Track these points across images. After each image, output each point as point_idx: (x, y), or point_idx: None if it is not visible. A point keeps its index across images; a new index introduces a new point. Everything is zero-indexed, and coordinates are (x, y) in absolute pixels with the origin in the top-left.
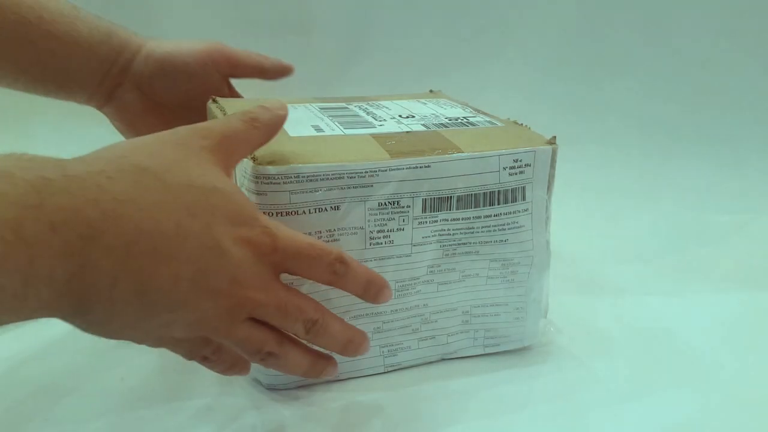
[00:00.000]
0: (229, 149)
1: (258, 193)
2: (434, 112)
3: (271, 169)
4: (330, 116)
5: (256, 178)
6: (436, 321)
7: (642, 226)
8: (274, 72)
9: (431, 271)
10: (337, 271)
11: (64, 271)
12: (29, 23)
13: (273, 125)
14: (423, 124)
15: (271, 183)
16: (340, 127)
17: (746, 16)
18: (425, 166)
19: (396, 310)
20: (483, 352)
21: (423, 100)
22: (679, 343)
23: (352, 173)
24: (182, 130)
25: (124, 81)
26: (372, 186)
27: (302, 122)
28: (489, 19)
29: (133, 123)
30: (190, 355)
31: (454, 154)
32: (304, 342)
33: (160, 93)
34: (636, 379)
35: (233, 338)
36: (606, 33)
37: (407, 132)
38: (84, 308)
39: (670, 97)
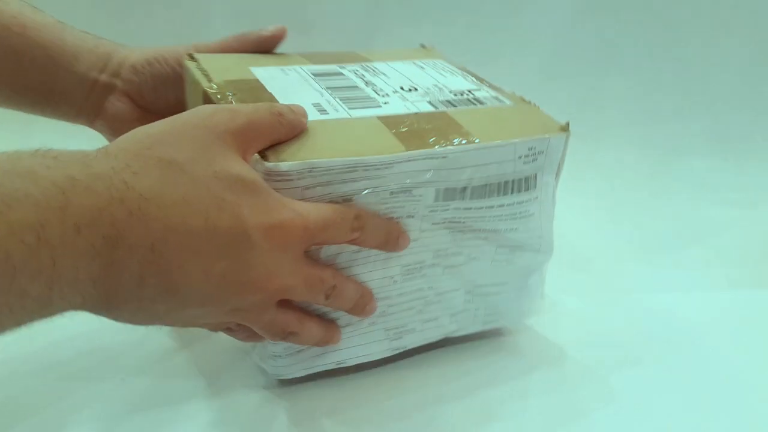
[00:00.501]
0: (251, 136)
1: None
2: (436, 82)
3: (284, 166)
4: (329, 88)
5: (268, 175)
6: (439, 302)
7: (643, 221)
8: (264, 44)
9: (438, 256)
10: (358, 228)
11: (90, 272)
12: (11, 31)
13: (295, 127)
14: (429, 102)
15: (283, 180)
16: (344, 107)
17: (747, 10)
18: (441, 157)
19: (401, 294)
20: (482, 329)
21: (418, 62)
22: (681, 339)
23: (367, 166)
24: (206, 111)
25: (113, 91)
26: (386, 177)
27: (300, 95)
28: (488, 18)
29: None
30: (215, 330)
31: (470, 145)
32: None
33: (150, 100)
34: (634, 373)
35: (260, 324)
36: (606, 27)
37: (416, 114)
38: (111, 306)
39: (671, 92)
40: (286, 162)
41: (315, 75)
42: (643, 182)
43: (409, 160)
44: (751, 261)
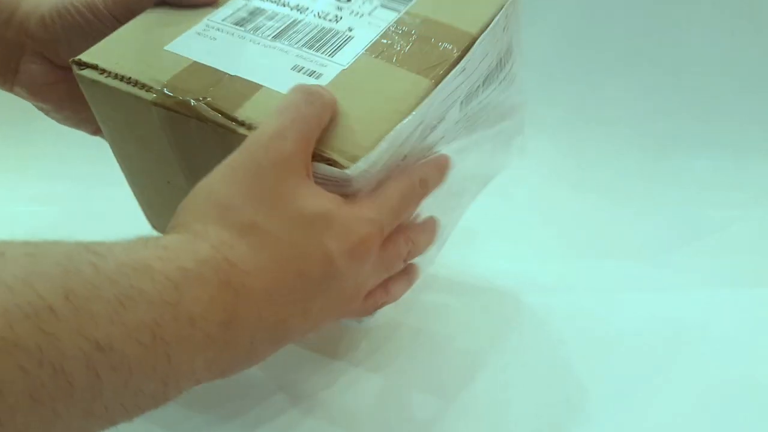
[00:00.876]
0: (308, 145)
1: (350, 194)
2: None
3: (364, 163)
4: (280, 39)
5: (346, 181)
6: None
7: (643, 219)
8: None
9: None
10: (423, 192)
11: (205, 359)
12: None
13: (331, 103)
14: (381, 5)
15: (363, 178)
16: (322, 56)
17: (748, 9)
18: (461, 72)
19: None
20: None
21: None
22: (680, 339)
23: (422, 118)
24: (258, 147)
25: (24, 51)
26: (430, 114)
27: (265, 63)
28: None
29: (49, 96)
30: None
31: (474, 45)
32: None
33: (67, 58)
34: (634, 374)
35: (353, 317)
36: (604, 29)
37: (392, 29)
38: (224, 375)
39: (671, 91)
40: (362, 157)
41: (239, 26)
42: (643, 181)
43: (443, 89)
44: (751, 261)
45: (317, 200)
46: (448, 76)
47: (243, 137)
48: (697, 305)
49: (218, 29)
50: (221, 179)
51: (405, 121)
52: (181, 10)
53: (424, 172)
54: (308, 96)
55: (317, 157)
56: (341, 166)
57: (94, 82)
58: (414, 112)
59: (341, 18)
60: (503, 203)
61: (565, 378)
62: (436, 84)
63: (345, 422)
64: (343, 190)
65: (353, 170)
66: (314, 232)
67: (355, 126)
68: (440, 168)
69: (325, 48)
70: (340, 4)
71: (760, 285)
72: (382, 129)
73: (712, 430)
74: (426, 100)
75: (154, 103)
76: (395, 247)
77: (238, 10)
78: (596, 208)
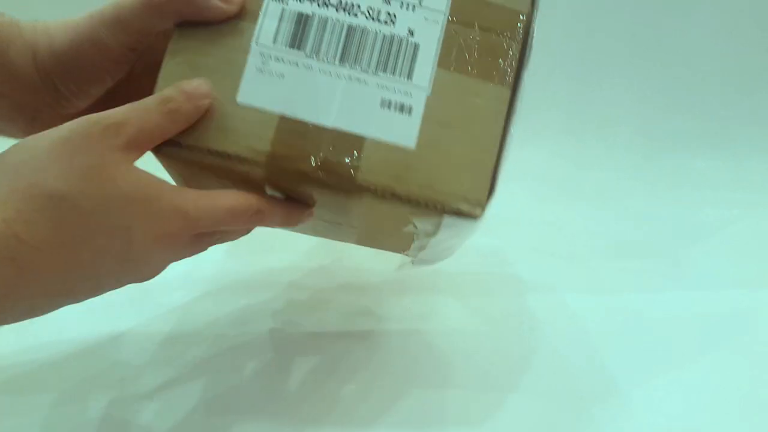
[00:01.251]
0: (143, 144)
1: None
2: None
3: (487, 206)
4: (357, 66)
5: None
6: None
7: (638, 222)
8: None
9: None
10: (256, 223)
11: None
12: None
13: (192, 117)
14: None
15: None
16: (401, 78)
17: (745, 11)
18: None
19: None
20: None
21: None
22: (679, 338)
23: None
24: (87, 128)
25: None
26: None
27: (350, 107)
28: None
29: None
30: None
31: (528, 30)
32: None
33: (67, 95)
34: (633, 374)
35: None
36: (602, 30)
37: (457, 28)
38: None
39: (670, 90)
40: (486, 201)
41: (296, 48)
42: (642, 181)
43: (518, 94)
44: (751, 261)
45: (140, 183)
46: (520, 79)
47: (367, 200)
48: (697, 305)
49: (277, 59)
50: (47, 147)
51: (505, 145)
52: (211, 30)
53: (267, 207)
54: (167, 106)
55: (441, 208)
56: (473, 215)
57: (185, 161)
58: (510, 131)
59: (395, 16)
60: (502, 203)
61: (565, 378)
62: (512, 91)
63: (343, 421)
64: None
65: (483, 214)
66: (125, 214)
67: (462, 163)
68: (288, 218)
69: (398, 67)
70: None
71: (760, 285)
72: (489, 161)
73: (711, 429)
74: (513, 115)
75: (268, 179)
76: (206, 243)
77: (281, 21)
78: (596, 208)
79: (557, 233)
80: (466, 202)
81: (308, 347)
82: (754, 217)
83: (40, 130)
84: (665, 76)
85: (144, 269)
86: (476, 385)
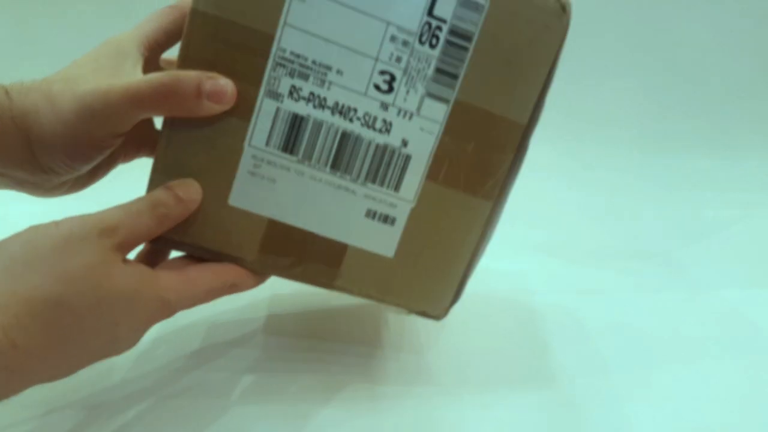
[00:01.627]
0: (133, 245)
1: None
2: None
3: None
4: (347, 175)
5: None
6: None
7: (638, 222)
8: None
9: None
10: (231, 293)
11: None
12: None
13: (180, 219)
14: (427, 93)
15: None
16: (388, 191)
17: (743, 11)
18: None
19: None
20: None
21: None
22: (679, 339)
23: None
24: (85, 231)
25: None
26: None
27: (335, 215)
28: None
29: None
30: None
31: (524, 141)
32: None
33: (54, 165)
34: (632, 374)
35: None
36: (604, 29)
37: (451, 139)
38: None
39: (670, 90)
40: (449, 308)
41: (289, 152)
42: (642, 181)
43: (501, 207)
44: (751, 261)
45: (130, 280)
46: (506, 192)
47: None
48: (697, 305)
49: (269, 162)
50: (49, 247)
51: (479, 252)
52: (203, 127)
53: (243, 280)
54: (157, 211)
55: (409, 310)
56: (437, 317)
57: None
58: (488, 236)
59: (391, 125)
60: None
61: (565, 378)
62: (496, 203)
63: (341, 420)
64: None
65: (446, 315)
66: (115, 311)
67: (434, 275)
68: (258, 279)
69: (388, 178)
70: (384, 99)
71: (760, 285)
72: (459, 271)
73: (711, 429)
74: (492, 225)
75: (253, 270)
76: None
77: (276, 121)
78: (596, 209)
79: (557, 233)
80: (433, 308)
81: (307, 346)
82: (753, 217)
83: (34, 191)
84: (665, 76)
85: (123, 348)
86: (474, 385)
